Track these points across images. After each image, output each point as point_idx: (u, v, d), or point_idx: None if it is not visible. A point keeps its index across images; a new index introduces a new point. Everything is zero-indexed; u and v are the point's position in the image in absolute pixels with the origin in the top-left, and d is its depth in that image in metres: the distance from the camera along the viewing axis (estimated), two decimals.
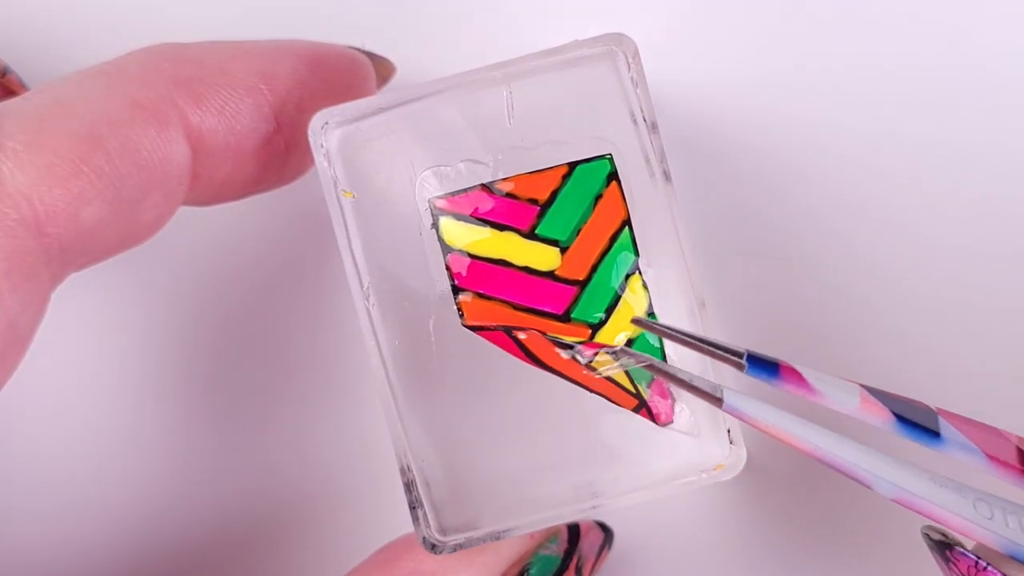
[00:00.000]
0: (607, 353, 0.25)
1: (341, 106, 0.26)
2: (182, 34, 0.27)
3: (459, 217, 0.26)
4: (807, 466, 0.30)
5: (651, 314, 0.26)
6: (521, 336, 0.25)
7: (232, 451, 0.31)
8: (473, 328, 0.26)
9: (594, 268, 0.26)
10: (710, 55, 0.31)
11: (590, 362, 0.25)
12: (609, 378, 0.26)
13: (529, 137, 0.26)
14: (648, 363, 0.23)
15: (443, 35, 0.31)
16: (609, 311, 0.26)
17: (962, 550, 0.24)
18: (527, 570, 0.27)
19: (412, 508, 0.26)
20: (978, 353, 0.30)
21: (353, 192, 0.26)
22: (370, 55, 0.29)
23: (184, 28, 0.31)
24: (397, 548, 0.27)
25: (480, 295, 0.26)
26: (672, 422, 0.26)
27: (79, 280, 0.27)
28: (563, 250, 0.26)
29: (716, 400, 0.23)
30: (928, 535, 0.24)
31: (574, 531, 0.28)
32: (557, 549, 0.28)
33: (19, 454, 0.31)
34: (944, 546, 0.24)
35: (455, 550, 0.26)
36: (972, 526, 0.23)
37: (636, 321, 0.25)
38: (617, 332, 0.26)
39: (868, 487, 0.23)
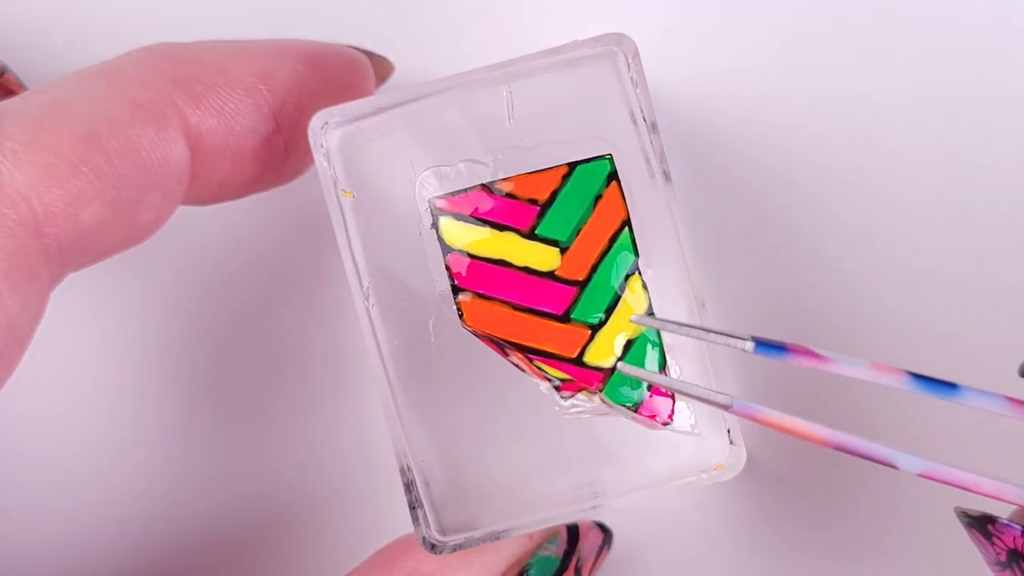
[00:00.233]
0: (589, 394, 0.25)
1: (341, 106, 0.26)
2: (182, 34, 0.27)
3: (459, 217, 0.26)
4: (807, 466, 0.30)
5: (651, 314, 0.26)
6: (512, 359, 0.26)
7: (231, 451, 0.31)
8: (472, 332, 0.26)
9: (594, 268, 0.26)
10: (710, 55, 0.31)
11: (569, 398, 0.25)
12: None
13: (529, 137, 0.26)
14: (623, 414, 0.23)
15: (443, 35, 0.31)
16: (609, 311, 0.26)
17: (1006, 521, 0.23)
18: (526, 571, 0.27)
19: (412, 508, 0.26)
20: (985, 348, 0.30)
21: (353, 192, 0.26)
22: (369, 54, 0.29)
23: (184, 28, 0.31)
24: (397, 548, 0.27)
25: (480, 295, 0.26)
26: (672, 422, 0.26)
27: (78, 280, 0.26)
28: (563, 250, 0.26)
29: (726, 407, 0.22)
30: (965, 513, 0.24)
31: (573, 532, 0.28)
32: (556, 550, 0.28)
33: (19, 454, 0.31)
34: (985, 520, 0.23)
35: (455, 550, 0.26)
36: (1006, 486, 0.22)
37: (636, 320, 0.25)
38: (617, 332, 0.26)
39: (892, 466, 0.22)
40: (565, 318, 0.26)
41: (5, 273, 0.23)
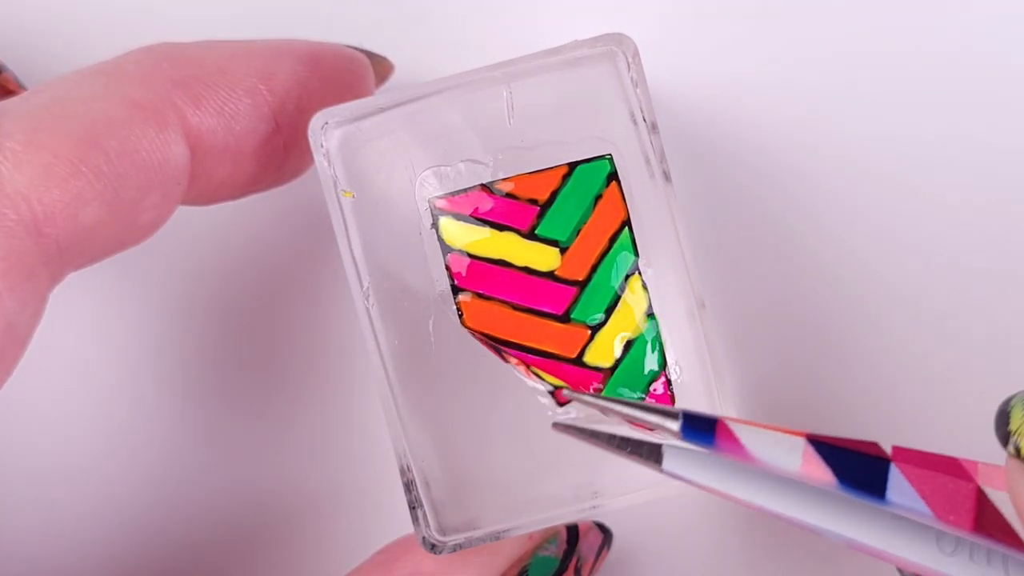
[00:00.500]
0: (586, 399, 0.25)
1: (341, 106, 0.26)
2: (182, 34, 0.27)
3: (459, 217, 0.26)
4: None
5: (651, 314, 0.26)
6: (510, 361, 0.26)
7: (231, 451, 0.31)
8: (471, 332, 0.26)
9: (594, 268, 0.26)
10: (710, 55, 0.31)
11: (563, 405, 0.26)
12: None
13: (529, 137, 0.26)
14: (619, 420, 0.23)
15: (443, 35, 0.31)
16: (609, 311, 0.26)
17: None
18: (526, 571, 0.27)
19: (412, 508, 0.26)
20: (977, 350, 0.30)
21: (353, 192, 0.26)
22: (369, 54, 0.29)
23: (183, 28, 0.31)
24: (397, 549, 0.27)
25: (480, 295, 0.26)
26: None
27: (78, 280, 0.26)
28: (563, 250, 0.26)
29: (656, 463, 0.22)
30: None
31: (573, 532, 0.28)
32: (556, 550, 0.28)
33: (19, 454, 0.31)
34: None
35: (455, 550, 0.26)
36: (934, 568, 0.22)
37: (568, 395, 0.24)
38: (617, 332, 0.26)
39: (820, 535, 0.22)
40: (565, 318, 0.26)
41: (4, 273, 0.23)
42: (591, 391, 0.25)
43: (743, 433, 0.22)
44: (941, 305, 0.30)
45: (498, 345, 0.26)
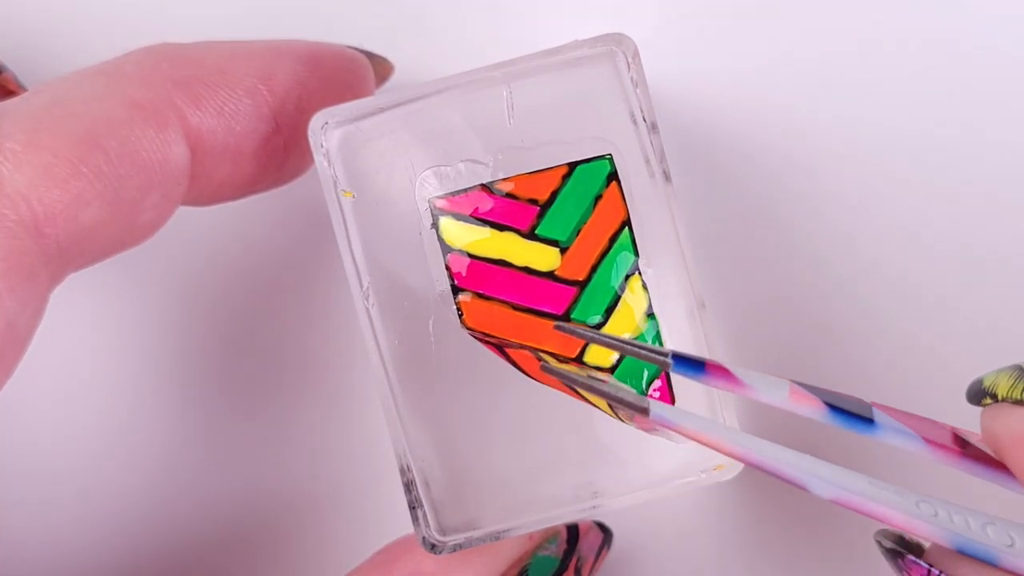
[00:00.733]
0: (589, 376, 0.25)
1: (341, 106, 0.26)
2: (181, 34, 0.27)
3: (459, 217, 0.26)
4: None
5: (651, 314, 0.26)
6: (511, 351, 0.26)
7: (230, 451, 0.31)
8: (471, 333, 0.26)
9: (594, 268, 0.26)
10: (710, 55, 0.31)
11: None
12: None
13: (529, 137, 0.26)
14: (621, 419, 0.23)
15: (443, 35, 0.31)
16: (609, 311, 0.26)
17: (913, 559, 0.23)
18: (526, 571, 0.27)
19: (412, 508, 0.26)
20: (981, 347, 0.30)
21: (353, 192, 0.26)
22: (369, 55, 0.29)
23: (184, 28, 0.31)
24: (397, 549, 0.27)
25: (480, 295, 0.26)
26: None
27: (78, 280, 0.26)
28: (563, 250, 0.26)
29: (643, 410, 0.22)
30: (880, 542, 0.23)
31: (573, 532, 0.28)
32: (556, 550, 0.28)
33: (19, 454, 0.31)
34: (896, 554, 0.23)
35: (455, 550, 0.26)
36: (917, 522, 0.22)
37: (558, 327, 0.24)
38: (617, 333, 0.26)
39: (804, 489, 0.22)
40: (565, 318, 0.26)
41: (4, 273, 0.23)
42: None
43: (731, 367, 0.22)
44: (944, 303, 0.30)
45: (499, 344, 0.26)
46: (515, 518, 0.26)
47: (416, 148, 0.26)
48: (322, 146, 0.26)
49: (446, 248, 0.26)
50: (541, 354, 0.25)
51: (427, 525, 0.26)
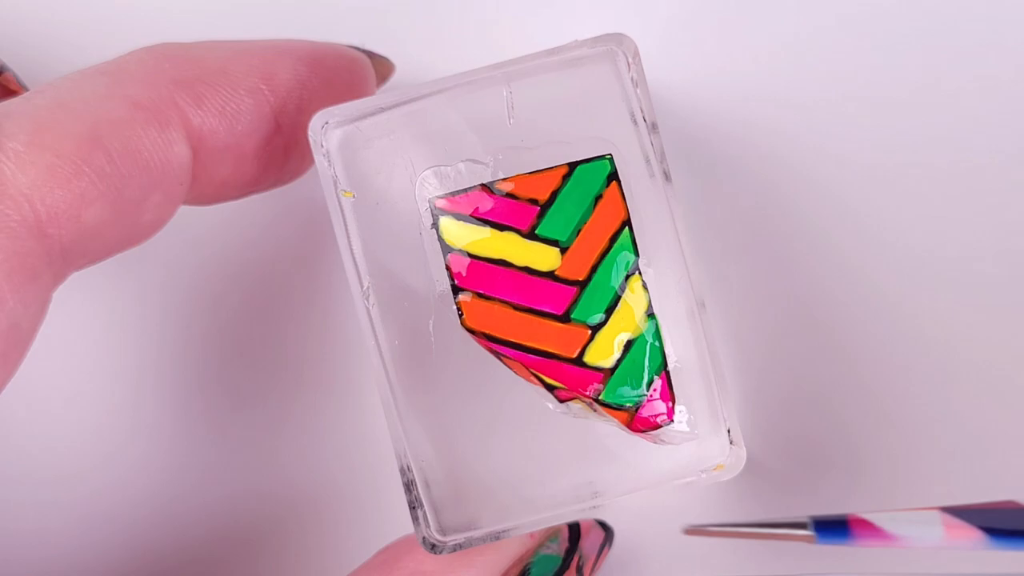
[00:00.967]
0: (585, 406, 0.25)
1: (341, 106, 0.26)
2: (182, 34, 0.27)
3: (459, 217, 0.26)
4: (807, 466, 0.30)
5: (651, 314, 0.26)
6: (507, 362, 0.26)
7: (231, 451, 0.31)
8: (471, 333, 0.26)
9: (594, 268, 0.26)
10: (710, 55, 0.31)
11: (563, 403, 0.26)
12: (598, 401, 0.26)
13: (529, 137, 0.26)
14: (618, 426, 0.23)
15: (443, 35, 0.31)
16: (609, 311, 0.26)
17: None
18: (528, 570, 0.27)
19: (412, 508, 0.26)
20: (980, 350, 0.30)
21: (353, 192, 0.26)
22: (369, 54, 0.29)
23: (184, 28, 0.31)
24: (397, 549, 0.27)
25: (480, 295, 0.26)
26: (672, 422, 0.26)
27: (78, 279, 0.26)
28: (563, 250, 0.26)
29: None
30: None
31: (575, 530, 0.28)
32: (558, 548, 0.28)
33: (20, 455, 0.31)
34: None
35: (455, 550, 0.26)
36: None
37: (690, 531, 0.24)
38: (617, 332, 0.26)
39: None
40: (565, 318, 0.26)
41: (7, 274, 0.23)
42: (590, 392, 0.25)
43: (875, 518, 0.22)
44: (943, 305, 0.30)
45: (497, 346, 0.26)
46: (515, 518, 0.26)
47: (416, 148, 0.26)
48: (322, 146, 0.26)
49: (446, 248, 0.26)
50: (554, 392, 0.26)
51: (427, 525, 0.26)
